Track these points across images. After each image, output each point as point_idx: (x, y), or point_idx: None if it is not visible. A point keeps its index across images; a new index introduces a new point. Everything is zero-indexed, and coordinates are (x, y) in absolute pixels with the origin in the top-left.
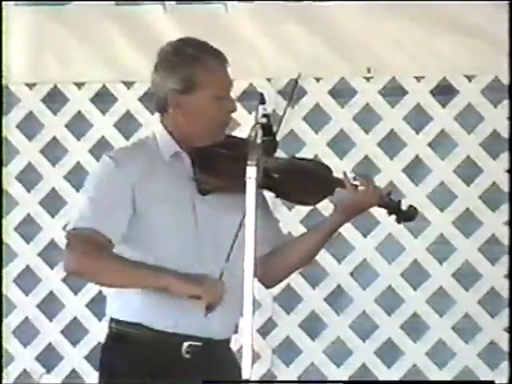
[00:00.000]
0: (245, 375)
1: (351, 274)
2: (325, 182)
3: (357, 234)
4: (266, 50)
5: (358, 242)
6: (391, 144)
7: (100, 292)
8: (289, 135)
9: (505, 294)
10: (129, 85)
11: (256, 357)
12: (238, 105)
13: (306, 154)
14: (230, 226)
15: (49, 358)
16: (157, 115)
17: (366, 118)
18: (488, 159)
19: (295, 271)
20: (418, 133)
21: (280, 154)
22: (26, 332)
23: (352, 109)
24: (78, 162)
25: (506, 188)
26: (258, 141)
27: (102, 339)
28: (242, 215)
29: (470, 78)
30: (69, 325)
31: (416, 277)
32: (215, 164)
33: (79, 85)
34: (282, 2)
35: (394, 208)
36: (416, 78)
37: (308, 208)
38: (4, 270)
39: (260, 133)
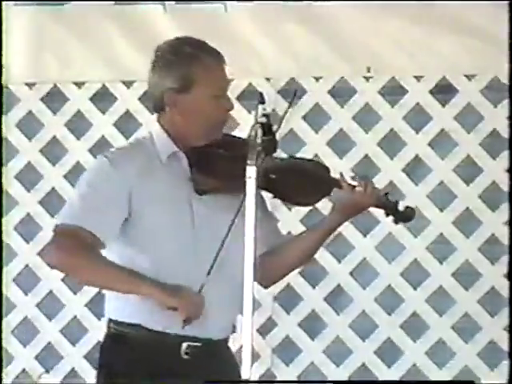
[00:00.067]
0: (244, 375)
1: (351, 274)
2: (322, 183)
3: (357, 234)
4: (266, 50)
5: (357, 242)
6: (391, 143)
7: (99, 292)
8: (288, 135)
9: (505, 293)
10: (128, 84)
11: (256, 356)
12: (238, 104)
13: (305, 153)
14: (227, 226)
15: (48, 358)
16: (156, 115)
17: (366, 118)
18: (488, 159)
19: (292, 271)
20: (417, 132)
21: (280, 153)
22: (25, 331)
23: (352, 108)
24: (78, 162)
25: (505, 188)
26: (258, 140)
27: (102, 339)
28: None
29: (469, 78)
30: (68, 324)
31: (416, 276)
32: (212, 164)
33: (79, 84)
34: (282, 1)
35: (391, 209)
36: (416, 77)
37: (307, 208)
38: (3, 270)
39: (260, 132)
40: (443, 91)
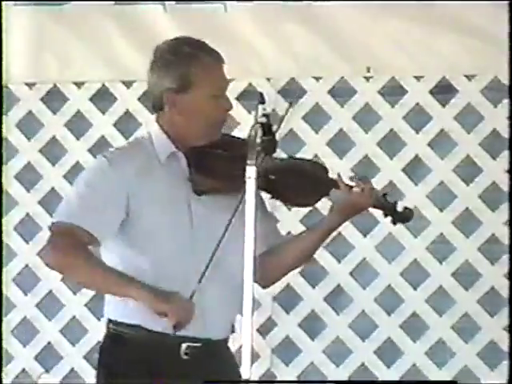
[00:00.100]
0: (244, 375)
1: (351, 274)
2: (320, 184)
3: (357, 234)
4: (266, 50)
5: (357, 242)
6: (391, 144)
7: None
8: (288, 135)
9: (504, 293)
10: (128, 84)
11: (255, 356)
12: (238, 104)
13: (305, 153)
14: (224, 226)
15: (48, 358)
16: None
17: (366, 118)
18: (488, 159)
19: (291, 271)
20: (417, 132)
21: (280, 153)
22: (25, 331)
23: (352, 108)
24: (78, 162)
25: (505, 188)
26: (258, 140)
27: (101, 339)
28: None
29: (469, 78)
30: (68, 324)
31: (416, 276)
32: (211, 165)
33: (79, 84)
34: (282, 1)
35: (389, 209)
36: (416, 77)
37: (307, 208)
38: (3, 270)
39: (260, 132)
40: (443, 91)
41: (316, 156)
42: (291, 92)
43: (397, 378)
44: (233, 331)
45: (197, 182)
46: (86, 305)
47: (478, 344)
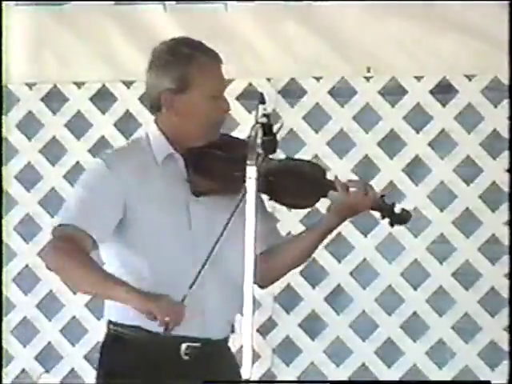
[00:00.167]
0: (245, 375)
1: (351, 274)
2: (318, 186)
3: (357, 234)
4: (266, 50)
5: (357, 242)
6: (391, 144)
7: None
8: (289, 135)
9: (505, 293)
10: (128, 84)
11: (256, 356)
12: (238, 104)
13: (305, 153)
14: (223, 227)
15: (48, 358)
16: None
17: (366, 118)
18: (488, 159)
19: (290, 271)
20: (417, 132)
21: (280, 153)
22: (25, 331)
23: (352, 108)
24: (78, 162)
25: (505, 188)
26: (258, 140)
27: (101, 339)
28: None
29: (470, 78)
30: (68, 324)
31: (416, 276)
32: (209, 166)
33: (79, 84)
34: (282, 1)
35: (387, 211)
36: (416, 77)
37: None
38: (3, 270)
39: (260, 132)
40: (443, 91)
41: (316, 156)
42: (291, 92)
43: (397, 378)
44: (232, 331)
45: (195, 183)
46: (86, 305)
47: (479, 344)
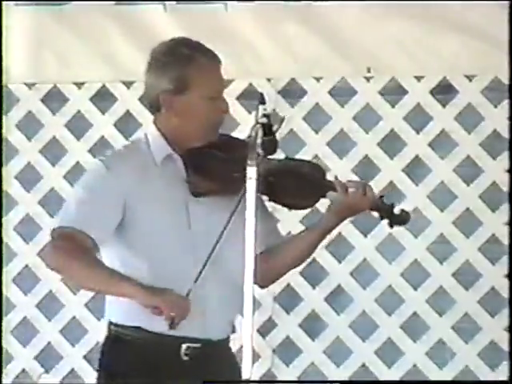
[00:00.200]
0: (245, 375)
1: (351, 274)
2: (317, 186)
3: (357, 234)
4: (266, 50)
5: (357, 242)
6: (391, 144)
7: None
8: (289, 135)
9: (505, 293)
10: (128, 84)
11: (256, 357)
12: (238, 105)
13: (305, 154)
14: (223, 227)
15: (48, 358)
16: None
17: (366, 118)
18: (488, 159)
19: (289, 271)
20: (418, 133)
21: (280, 154)
22: (25, 332)
23: (352, 109)
24: (78, 162)
25: (505, 188)
26: (258, 141)
27: (101, 339)
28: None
29: (470, 78)
30: (68, 324)
31: (416, 276)
32: (208, 166)
33: (79, 84)
34: (282, 1)
35: (386, 212)
36: (416, 77)
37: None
38: (3, 270)
39: (260, 133)
40: (443, 91)
41: (316, 156)
42: (291, 92)
43: (397, 379)
44: (233, 331)
45: (194, 183)
46: (85, 305)
47: (479, 344)
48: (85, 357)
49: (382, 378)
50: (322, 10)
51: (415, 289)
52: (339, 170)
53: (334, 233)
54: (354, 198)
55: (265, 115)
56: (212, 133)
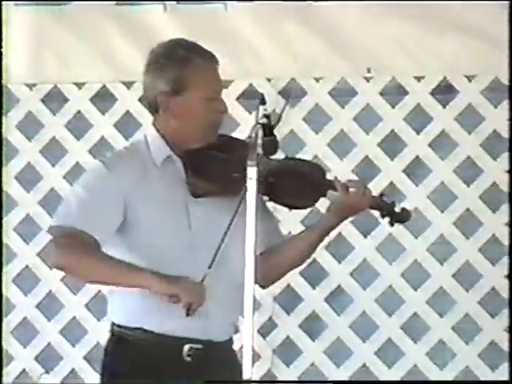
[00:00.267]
0: (245, 375)
1: (351, 274)
2: (317, 186)
3: (357, 234)
4: (266, 50)
5: (358, 242)
6: (391, 144)
7: (99, 292)
8: (289, 135)
9: (505, 294)
10: (128, 85)
11: (256, 357)
12: (238, 105)
13: (306, 154)
14: (224, 228)
15: (48, 358)
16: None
17: (367, 119)
18: (488, 159)
19: (290, 271)
20: (418, 133)
21: (280, 154)
22: (25, 332)
23: (352, 109)
24: (78, 162)
25: (506, 188)
26: (259, 141)
27: (102, 339)
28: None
29: (470, 78)
30: (68, 325)
31: (416, 277)
32: (207, 167)
33: (79, 85)
34: (282, 1)
35: (387, 210)
36: (416, 78)
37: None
38: (3, 270)
39: (260, 133)
40: (444, 92)
41: (316, 157)
42: (292, 92)
43: (398, 379)
44: (236, 332)
45: (194, 184)
46: (86, 305)
47: (479, 345)
48: (85, 357)
49: (382, 379)
50: (321, 10)
51: (415, 289)
52: (339, 170)
53: (334, 233)
54: (355, 197)
55: (265, 115)
56: (211, 134)
